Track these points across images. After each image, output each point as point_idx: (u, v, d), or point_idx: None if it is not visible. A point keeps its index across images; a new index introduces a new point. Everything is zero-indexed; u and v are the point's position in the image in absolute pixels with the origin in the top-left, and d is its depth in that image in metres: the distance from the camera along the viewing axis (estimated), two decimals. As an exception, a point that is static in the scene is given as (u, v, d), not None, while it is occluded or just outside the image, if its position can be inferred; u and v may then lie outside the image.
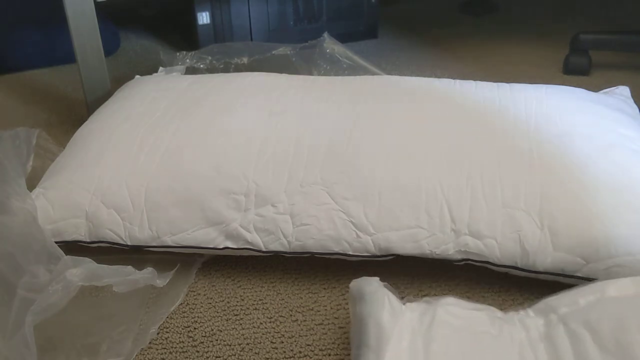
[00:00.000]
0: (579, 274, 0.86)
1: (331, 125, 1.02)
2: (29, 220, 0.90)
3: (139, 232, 0.93)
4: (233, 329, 0.87)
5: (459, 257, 0.90)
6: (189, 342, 0.85)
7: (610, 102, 1.12)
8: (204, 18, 1.72)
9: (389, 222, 0.90)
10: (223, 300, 0.92)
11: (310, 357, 0.83)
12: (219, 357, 0.83)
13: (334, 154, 0.96)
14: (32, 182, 1.00)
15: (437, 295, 0.89)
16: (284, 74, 1.22)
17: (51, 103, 1.54)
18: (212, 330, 0.87)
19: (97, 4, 1.29)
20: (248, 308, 0.91)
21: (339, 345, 0.84)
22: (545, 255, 0.87)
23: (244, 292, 0.94)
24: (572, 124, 1.02)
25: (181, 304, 0.92)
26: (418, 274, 0.96)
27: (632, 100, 1.18)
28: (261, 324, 0.88)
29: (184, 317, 0.89)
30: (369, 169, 0.94)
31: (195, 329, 0.87)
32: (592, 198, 0.88)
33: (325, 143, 0.98)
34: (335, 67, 1.45)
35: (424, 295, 0.92)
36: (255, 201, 0.93)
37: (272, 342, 0.85)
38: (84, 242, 0.95)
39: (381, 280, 0.94)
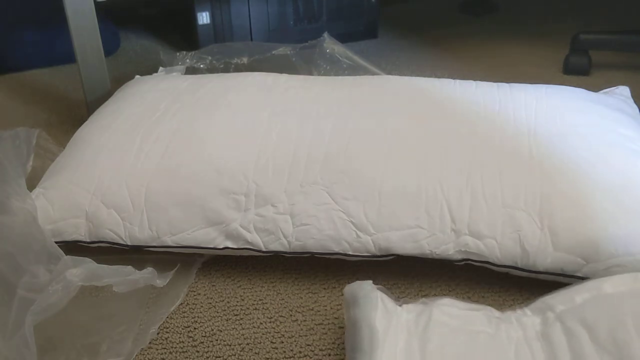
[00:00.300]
0: (579, 274, 0.86)
1: (331, 125, 1.02)
2: (29, 220, 0.90)
3: (139, 232, 0.93)
4: (233, 329, 0.87)
5: (459, 257, 0.90)
6: (189, 342, 0.85)
7: (610, 102, 1.12)
8: (204, 18, 1.72)
9: (389, 222, 0.90)
10: (223, 300, 0.92)
11: (310, 357, 0.83)
12: (219, 357, 0.83)
13: (334, 154, 0.96)
14: (32, 182, 1.00)
15: (437, 296, 0.89)
16: (284, 74, 1.22)
17: (51, 103, 1.54)
18: (212, 330, 0.87)
19: (97, 4, 1.29)
20: (248, 308, 0.91)
21: (339, 345, 0.84)
22: (545, 255, 0.87)
23: (244, 292, 0.94)
24: (572, 124, 1.02)
25: (181, 304, 0.92)
26: (418, 274, 0.96)
27: (632, 100, 1.18)
28: (261, 324, 0.88)
29: (184, 317, 0.89)
30: (369, 169, 0.94)
31: (195, 329, 0.87)
32: (592, 198, 0.88)
33: (325, 143, 0.98)
34: (335, 67, 1.45)
35: (424, 296, 0.92)
36: (255, 201, 0.93)
37: (272, 342, 0.85)
38: (84, 242, 0.95)
39: (381, 280, 0.95)
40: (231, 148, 0.98)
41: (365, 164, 0.94)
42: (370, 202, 0.91)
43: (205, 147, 0.98)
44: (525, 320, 0.76)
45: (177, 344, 0.85)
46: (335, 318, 0.89)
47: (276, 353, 0.83)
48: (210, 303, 0.92)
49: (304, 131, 1.00)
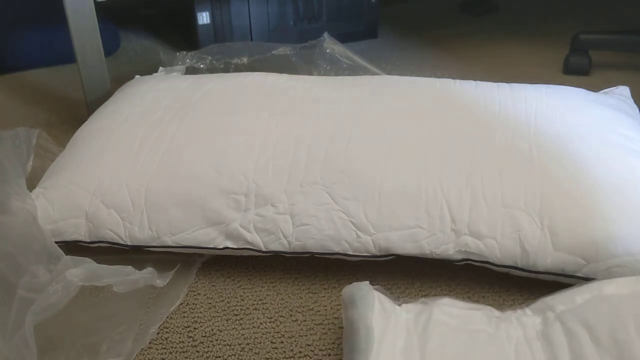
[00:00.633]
0: (579, 274, 0.86)
1: (331, 125, 1.02)
2: (29, 220, 0.90)
3: (139, 232, 0.93)
4: (233, 329, 0.87)
5: (459, 257, 0.90)
6: (189, 342, 0.85)
7: (610, 102, 1.12)
8: (204, 18, 1.72)
9: (389, 222, 0.90)
10: (223, 300, 0.92)
11: (310, 357, 0.83)
12: (219, 357, 0.83)
13: (334, 154, 0.96)
14: (32, 182, 1.00)
15: (437, 296, 0.89)
16: (284, 74, 1.22)
17: (51, 103, 1.54)
18: (212, 330, 0.87)
19: (97, 4, 1.29)
20: (248, 308, 0.91)
21: (339, 345, 0.84)
22: (545, 255, 0.87)
23: (244, 292, 0.94)
24: (572, 124, 1.02)
25: (181, 304, 0.92)
26: (418, 274, 0.96)
27: (632, 100, 1.18)
28: (261, 324, 0.88)
29: (184, 317, 0.89)
30: (369, 169, 0.94)
31: (195, 329, 0.87)
32: (592, 198, 0.88)
33: (325, 143, 0.98)
34: (335, 67, 1.45)
35: (424, 296, 0.92)
36: (255, 201, 0.93)
37: (272, 342, 0.85)
38: (84, 242, 0.95)
39: (381, 280, 0.95)
40: (231, 148, 0.98)
41: (365, 164, 0.94)
42: (370, 202, 0.91)
43: (205, 147, 0.98)
44: (525, 320, 0.76)
45: (177, 344, 0.85)
46: (335, 318, 0.89)
47: (276, 353, 0.83)
48: (210, 303, 0.92)
49: (304, 131, 1.00)
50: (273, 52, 1.48)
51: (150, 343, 0.85)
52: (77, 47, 1.30)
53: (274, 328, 0.87)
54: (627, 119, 1.06)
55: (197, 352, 0.84)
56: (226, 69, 1.46)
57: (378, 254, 0.91)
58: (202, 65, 1.45)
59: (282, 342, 0.85)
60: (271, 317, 0.89)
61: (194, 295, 0.93)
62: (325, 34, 1.50)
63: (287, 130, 1.01)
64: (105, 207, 0.94)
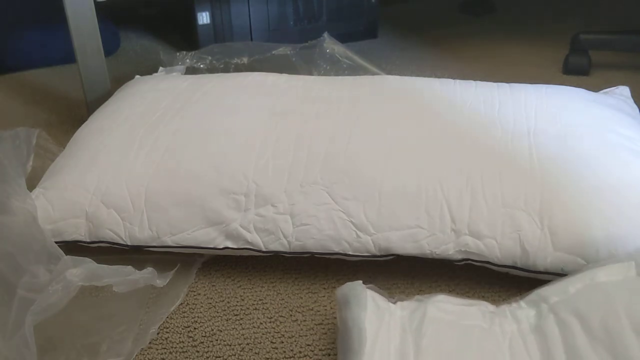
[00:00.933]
0: (579, 274, 0.86)
1: (331, 125, 1.02)
2: (29, 220, 0.90)
3: (139, 232, 0.93)
4: (233, 329, 0.87)
5: (459, 257, 0.90)
6: (189, 342, 0.85)
7: (610, 102, 1.12)
8: (204, 18, 1.72)
9: (389, 222, 0.90)
10: (223, 300, 0.92)
11: (310, 357, 0.83)
12: (219, 357, 0.83)
13: (334, 154, 0.96)
14: (32, 182, 1.00)
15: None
16: (284, 74, 1.22)
17: (51, 103, 1.54)
18: (212, 330, 0.87)
19: (97, 4, 1.29)
20: (248, 308, 0.91)
21: (339, 345, 0.84)
22: (545, 255, 0.87)
23: (244, 292, 0.94)
24: (572, 124, 1.02)
25: (181, 304, 0.92)
26: (418, 274, 0.96)
27: (632, 100, 1.18)
28: (261, 324, 0.88)
29: (184, 317, 0.89)
30: (369, 169, 0.94)
31: (195, 329, 0.87)
32: (592, 198, 0.88)
33: (325, 143, 0.98)
34: (335, 67, 1.45)
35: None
36: (255, 201, 0.93)
37: (272, 342, 0.85)
38: (84, 242, 0.95)
39: (381, 280, 0.95)
40: (231, 148, 0.98)
41: (365, 164, 0.94)
42: (370, 202, 0.91)
43: (205, 147, 0.98)
44: (519, 314, 0.76)
45: (177, 344, 0.85)
46: (335, 318, 0.89)
47: (276, 353, 0.83)
48: (210, 303, 0.92)
49: (304, 131, 1.00)
50: (273, 52, 1.48)
51: (150, 343, 0.85)
52: (77, 47, 1.30)
53: (274, 328, 0.87)
54: (627, 119, 1.06)
55: (197, 352, 0.84)
56: (226, 69, 1.46)
57: (378, 254, 0.91)
58: (202, 65, 1.45)
59: (282, 342, 0.85)
60: (271, 317, 0.89)
61: (194, 295, 0.93)
62: (325, 34, 1.50)
63: (287, 130, 1.01)
64: (105, 207, 0.94)
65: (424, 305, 0.77)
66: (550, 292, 0.77)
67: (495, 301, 0.90)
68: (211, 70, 1.45)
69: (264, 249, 0.93)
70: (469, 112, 1.05)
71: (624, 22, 1.99)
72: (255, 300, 0.92)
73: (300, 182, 0.93)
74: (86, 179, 0.96)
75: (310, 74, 1.43)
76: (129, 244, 0.94)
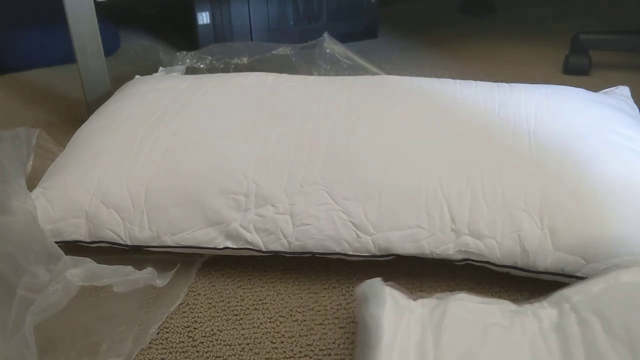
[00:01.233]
0: (579, 274, 0.86)
1: (331, 125, 1.02)
2: (29, 220, 0.90)
3: (139, 232, 0.93)
4: (233, 329, 0.87)
5: (459, 257, 0.90)
6: (189, 342, 0.85)
7: (610, 102, 1.12)
8: (204, 18, 1.72)
9: (389, 222, 0.90)
10: (223, 300, 0.92)
11: (310, 357, 0.83)
12: (219, 357, 0.83)
13: (334, 153, 0.96)
14: (32, 182, 1.00)
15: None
16: (284, 74, 1.22)
17: (51, 103, 1.54)
18: (212, 330, 0.87)
19: (97, 4, 1.29)
20: (248, 308, 0.91)
21: (339, 345, 0.84)
22: (545, 255, 0.87)
23: (244, 292, 0.94)
24: (572, 124, 1.02)
25: (181, 304, 0.92)
26: (418, 274, 0.96)
27: (632, 100, 1.18)
28: (261, 324, 0.88)
29: (184, 317, 0.89)
30: (369, 169, 0.94)
31: (195, 329, 0.87)
32: (592, 198, 0.88)
33: (325, 143, 0.98)
34: (335, 67, 1.45)
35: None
36: (255, 201, 0.93)
37: (272, 342, 0.85)
38: (84, 242, 0.95)
39: (382, 280, 0.94)
40: (231, 148, 0.98)
41: (365, 164, 0.94)
42: (370, 202, 0.91)
43: (205, 147, 0.98)
44: (541, 313, 0.76)
45: (177, 344, 0.85)
46: (336, 318, 0.89)
47: (276, 353, 0.83)
48: (210, 303, 0.92)
49: (304, 131, 1.00)
50: (273, 52, 1.48)
51: (150, 343, 0.85)
52: (77, 47, 1.30)
53: (274, 328, 0.87)
54: (627, 119, 1.06)
55: (197, 352, 0.84)
56: (226, 69, 1.46)
57: (378, 254, 0.91)
58: (202, 65, 1.45)
59: (282, 342, 0.85)
60: (271, 317, 0.89)
61: (194, 295, 0.93)
62: (325, 34, 1.50)
63: (287, 130, 1.01)
64: (105, 207, 0.94)
65: (444, 303, 0.78)
66: (573, 292, 0.77)
67: (495, 301, 0.91)
68: (211, 70, 1.45)
69: (264, 249, 0.93)
70: (469, 112, 1.05)
71: (624, 22, 1.99)
72: (255, 300, 0.92)
73: (300, 182, 0.93)
74: (86, 179, 0.96)
75: (310, 74, 1.43)
76: (129, 244, 0.94)
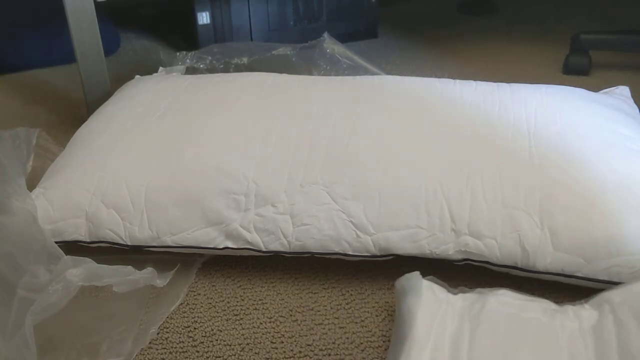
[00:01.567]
0: (579, 274, 0.86)
1: (331, 125, 1.02)
2: (29, 220, 0.90)
3: (139, 232, 0.93)
4: (233, 329, 0.87)
5: (459, 257, 0.90)
6: (189, 342, 0.85)
7: (610, 102, 1.12)
8: (204, 18, 1.72)
9: (389, 222, 0.90)
10: (223, 300, 0.92)
11: (310, 357, 0.83)
12: (219, 357, 0.83)
13: (334, 154, 0.96)
14: (32, 182, 1.00)
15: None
16: (284, 74, 1.22)
17: (51, 103, 1.54)
18: (212, 330, 0.87)
19: (97, 4, 1.29)
20: (248, 308, 0.91)
21: (339, 345, 0.84)
22: (545, 255, 0.87)
23: (244, 292, 0.94)
24: (572, 123, 1.02)
25: (181, 304, 0.92)
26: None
27: (632, 100, 1.18)
28: (261, 324, 0.88)
29: (184, 317, 0.89)
30: (369, 169, 0.94)
31: (195, 329, 0.87)
32: (592, 198, 0.88)
33: (325, 143, 0.98)
34: (335, 67, 1.45)
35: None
36: (255, 201, 0.93)
37: (272, 342, 0.85)
38: (84, 242, 0.95)
39: (381, 280, 0.95)
40: (231, 148, 0.98)
41: (365, 164, 0.94)
42: (370, 202, 0.91)
43: (205, 147, 0.98)
44: (582, 313, 0.77)
45: (177, 344, 0.85)
46: (336, 318, 0.89)
47: (276, 353, 0.83)
48: (210, 303, 0.92)
49: (304, 131, 1.00)
50: (273, 52, 1.48)
51: (150, 343, 0.85)
52: (77, 47, 1.30)
53: (274, 328, 0.87)
54: (627, 119, 1.06)
55: (197, 352, 0.84)
56: (226, 69, 1.46)
57: (378, 254, 0.91)
58: (202, 65, 1.45)
59: (282, 342, 0.85)
60: (271, 317, 0.89)
61: (194, 295, 0.93)
62: (325, 34, 1.50)
63: (287, 130, 1.01)
64: (105, 207, 0.94)
65: (484, 297, 0.79)
66: (615, 294, 0.78)
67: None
68: (211, 70, 1.45)
69: (264, 249, 0.93)
70: (469, 112, 1.05)
71: (624, 22, 1.99)
72: (255, 300, 0.92)
73: (300, 182, 0.93)
74: (86, 179, 0.96)
75: (310, 74, 1.43)
76: (129, 244, 0.94)
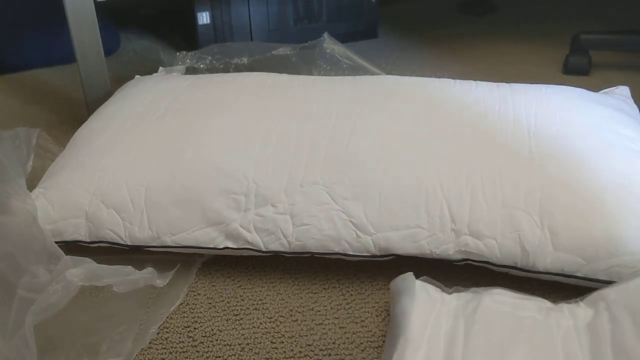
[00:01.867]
0: (578, 274, 0.86)
1: (331, 125, 1.02)
2: (29, 220, 0.90)
3: (139, 232, 0.93)
4: (233, 329, 0.87)
5: (459, 257, 0.90)
6: (189, 342, 0.85)
7: (610, 102, 1.12)
8: (204, 18, 1.72)
9: (389, 221, 0.90)
10: (223, 300, 0.92)
11: (310, 357, 0.83)
12: (219, 357, 0.83)
13: (334, 153, 0.96)
14: (32, 182, 1.00)
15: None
16: (284, 74, 1.22)
17: (51, 103, 1.54)
18: (212, 330, 0.87)
19: (97, 4, 1.29)
20: (248, 308, 0.91)
21: (339, 345, 0.84)
22: (545, 255, 0.87)
23: (244, 292, 0.94)
24: (572, 123, 1.02)
25: (181, 304, 0.92)
26: (418, 274, 0.96)
27: (632, 100, 1.18)
28: (261, 324, 0.88)
29: (184, 317, 0.89)
30: (369, 169, 0.94)
31: (195, 329, 0.87)
32: (592, 198, 0.88)
33: (325, 143, 0.98)
34: (335, 67, 1.45)
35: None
36: (255, 201, 0.93)
37: (272, 342, 0.85)
38: (84, 242, 0.95)
39: (381, 280, 0.95)
40: (231, 148, 0.98)
41: (365, 164, 0.94)
42: (370, 202, 0.91)
43: (205, 147, 0.98)
44: (578, 311, 0.77)
45: (177, 344, 0.85)
46: (336, 318, 0.89)
47: (276, 353, 0.83)
48: (210, 303, 0.92)
49: (304, 131, 1.00)
50: (273, 52, 1.48)
51: (150, 343, 0.85)
52: (77, 47, 1.30)
53: (274, 328, 0.87)
54: (627, 119, 1.06)
55: (197, 352, 0.84)
56: (226, 69, 1.46)
57: (378, 254, 0.91)
58: (202, 65, 1.45)
59: (282, 342, 0.85)
60: (271, 317, 0.89)
61: (194, 295, 0.93)
62: (325, 34, 1.50)
63: (287, 130, 1.01)
64: (105, 207, 0.94)
65: (479, 296, 0.79)
66: (610, 291, 0.78)
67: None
68: (211, 70, 1.45)
69: (264, 249, 0.93)
70: (469, 112, 1.05)
71: (624, 22, 1.99)
72: (255, 300, 0.92)
73: (300, 182, 0.93)
74: (86, 179, 0.96)
75: (310, 74, 1.43)
76: (129, 244, 0.94)
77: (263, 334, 0.86)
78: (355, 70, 1.45)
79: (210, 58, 1.46)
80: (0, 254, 0.81)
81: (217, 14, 1.73)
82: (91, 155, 1.00)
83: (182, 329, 0.87)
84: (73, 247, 0.94)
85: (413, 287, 0.81)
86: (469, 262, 0.90)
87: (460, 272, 0.95)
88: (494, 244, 0.88)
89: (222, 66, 1.46)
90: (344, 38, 1.65)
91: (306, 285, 0.95)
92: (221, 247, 0.94)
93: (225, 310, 0.90)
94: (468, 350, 0.72)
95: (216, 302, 0.92)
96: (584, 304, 0.79)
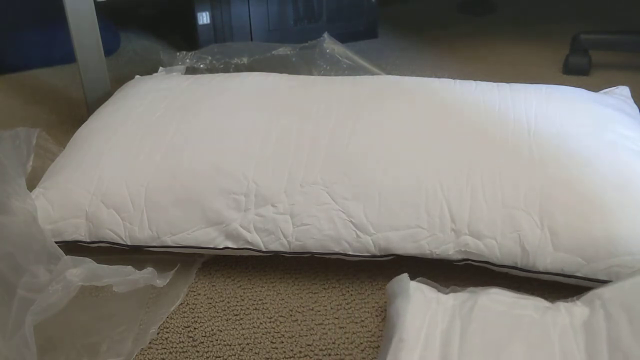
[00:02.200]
0: (578, 274, 0.86)
1: (331, 125, 1.02)
2: (29, 220, 0.90)
3: (139, 232, 0.93)
4: (233, 329, 0.87)
5: (459, 257, 0.90)
6: (189, 342, 0.85)
7: (610, 102, 1.12)
8: (204, 18, 1.72)
9: (389, 222, 0.90)
10: (223, 300, 0.92)
11: (310, 357, 0.83)
12: (219, 357, 0.83)
13: (334, 153, 0.96)
14: (32, 182, 1.00)
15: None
16: (284, 74, 1.22)
17: (51, 103, 1.54)
18: (212, 330, 0.87)
19: (97, 4, 1.29)
20: (248, 308, 0.91)
21: (339, 345, 0.84)
22: (545, 255, 0.87)
23: (244, 292, 0.94)
24: (572, 124, 1.02)
25: (181, 304, 0.92)
26: (418, 274, 0.96)
27: (632, 100, 1.18)
28: (261, 324, 0.88)
29: (184, 317, 0.89)
30: (369, 169, 0.94)
31: (195, 329, 0.87)
32: (592, 198, 0.88)
33: (325, 143, 0.98)
34: (335, 67, 1.45)
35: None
36: (255, 201, 0.93)
37: (272, 342, 0.85)
38: (84, 242, 0.95)
39: (381, 280, 0.95)
40: (231, 148, 0.98)
41: (365, 164, 0.94)
42: (370, 202, 0.91)
43: (205, 147, 0.98)
44: (574, 310, 0.77)
45: (177, 344, 0.85)
46: (336, 318, 0.89)
47: (276, 353, 0.83)
48: (210, 303, 0.92)
49: (304, 131, 1.00)
50: (273, 52, 1.48)
51: (150, 343, 0.85)
52: (77, 47, 1.30)
53: (274, 328, 0.87)
54: (627, 119, 1.06)
55: (197, 352, 0.84)
56: (226, 69, 1.46)
57: (378, 254, 0.91)
58: (202, 65, 1.45)
59: (282, 342, 0.85)
60: (271, 317, 0.89)
61: (194, 295, 0.93)
62: (325, 34, 1.50)
63: (287, 130, 1.01)
64: (105, 207, 0.94)
65: (476, 296, 0.79)
66: (606, 289, 0.78)
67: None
68: (211, 70, 1.45)
69: (264, 249, 0.93)
70: (469, 112, 1.05)
71: (624, 22, 1.99)
72: (255, 300, 0.92)
73: (300, 182, 0.93)
74: (86, 179, 0.96)
75: (310, 74, 1.43)
76: (129, 244, 0.94)
77: (263, 334, 0.86)
78: (355, 70, 1.45)
79: (210, 58, 1.46)
80: (0, 254, 0.81)
81: (217, 14, 1.73)
82: (91, 155, 1.00)
83: (182, 329, 0.87)
84: (73, 247, 0.94)
85: (408, 289, 0.81)
86: (469, 262, 0.90)
87: (460, 272, 0.95)
88: (494, 244, 0.88)
89: (222, 66, 1.46)
90: (344, 38, 1.65)
91: (306, 285, 0.95)
92: (221, 247, 0.94)
93: (225, 310, 0.91)
94: (464, 349, 0.72)
95: (216, 302, 0.92)
96: (580, 302, 0.79)
